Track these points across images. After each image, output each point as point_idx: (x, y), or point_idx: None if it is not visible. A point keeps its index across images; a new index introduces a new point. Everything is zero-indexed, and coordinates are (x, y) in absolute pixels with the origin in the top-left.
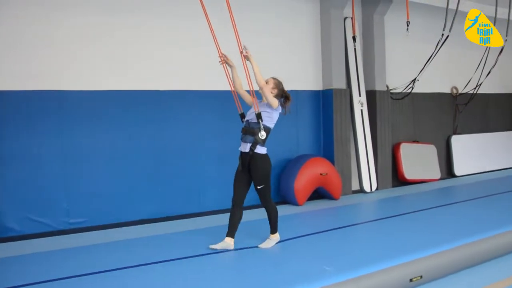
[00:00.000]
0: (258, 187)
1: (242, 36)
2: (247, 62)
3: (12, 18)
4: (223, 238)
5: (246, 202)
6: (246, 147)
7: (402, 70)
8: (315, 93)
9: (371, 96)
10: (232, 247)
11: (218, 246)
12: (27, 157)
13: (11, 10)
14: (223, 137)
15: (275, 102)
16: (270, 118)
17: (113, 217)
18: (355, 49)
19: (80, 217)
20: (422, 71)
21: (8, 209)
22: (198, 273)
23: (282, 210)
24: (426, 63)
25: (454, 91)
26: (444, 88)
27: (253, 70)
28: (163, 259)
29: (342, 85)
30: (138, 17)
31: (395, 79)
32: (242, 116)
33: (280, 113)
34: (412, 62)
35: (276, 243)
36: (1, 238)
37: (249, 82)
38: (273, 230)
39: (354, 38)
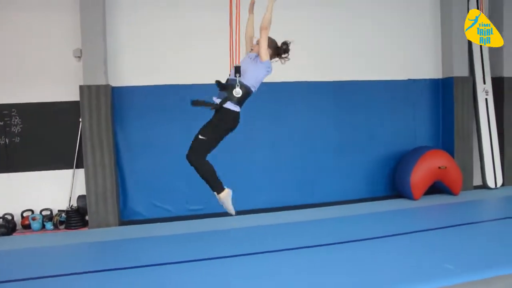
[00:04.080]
0: (200, 137)
1: (354, 20)
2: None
3: (130, 21)
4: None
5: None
6: (216, 101)
7: None
8: (434, 82)
9: (498, 83)
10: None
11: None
12: (153, 147)
13: (127, 14)
14: (340, 126)
15: (266, 55)
16: (255, 76)
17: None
18: None
19: (198, 205)
20: None
21: (136, 194)
22: (299, 265)
23: (397, 204)
24: None
25: None
26: None
27: (269, 5)
28: (272, 249)
29: (465, 72)
30: None
31: None
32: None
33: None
34: None
35: (231, 196)
36: (129, 221)
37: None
38: (216, 188)
39: None
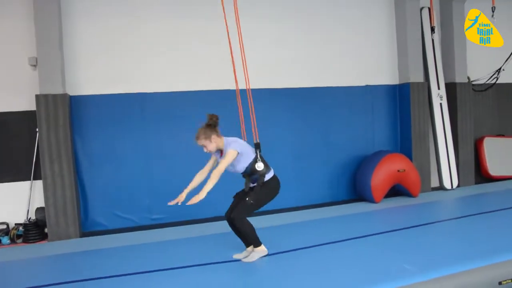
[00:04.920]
0: (247, 199)
1: (313, 28)
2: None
3: (88, 28)
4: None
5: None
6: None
7: (485, 60)
8: (392, 88)
9: (451, 88)
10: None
11: (241, 255)
12: (113, 157)
13: (84, 21)
14: (299, 133)
15: (230, 156)
16: (243, 158)
17: (190, 214)
18: (432, 40)
19: (161, 214)
20: (508, 60)
21: (97, 205)
22: (264, 271)
23: (359, 208)
24: None
25: None
26: None
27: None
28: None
29: (420, 78)
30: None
31: (477, 70)
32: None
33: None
34: (496, 51)
35: (263, 256)
36: (90, 232)
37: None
38: (256, 243)
39: (433, 29)
